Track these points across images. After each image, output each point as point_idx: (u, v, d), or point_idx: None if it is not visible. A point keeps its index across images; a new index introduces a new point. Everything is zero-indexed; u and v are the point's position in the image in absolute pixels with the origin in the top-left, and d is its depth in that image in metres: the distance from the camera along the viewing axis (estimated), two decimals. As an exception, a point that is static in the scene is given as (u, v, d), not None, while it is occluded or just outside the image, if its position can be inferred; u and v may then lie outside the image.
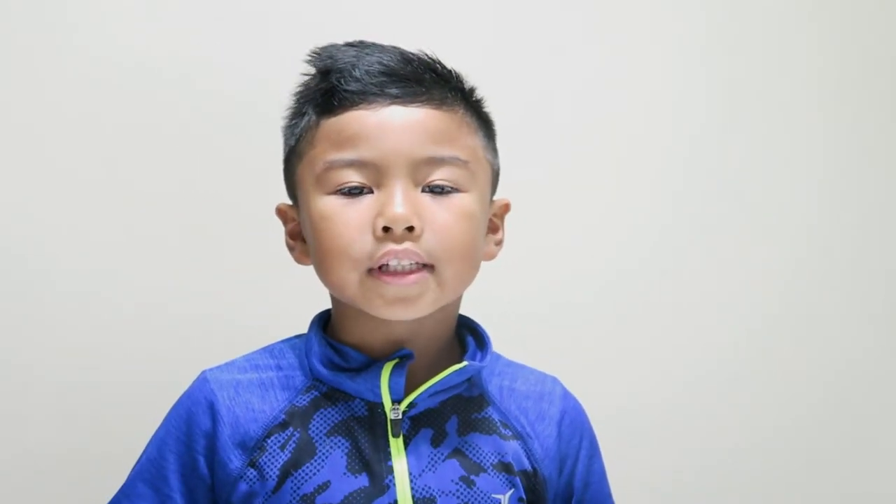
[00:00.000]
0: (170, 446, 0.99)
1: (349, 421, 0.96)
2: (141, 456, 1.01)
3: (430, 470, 0.95)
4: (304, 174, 0.97)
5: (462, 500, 0.95)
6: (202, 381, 1.00)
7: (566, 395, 1.06)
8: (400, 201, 0.92)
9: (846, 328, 1.59)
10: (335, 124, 0.95)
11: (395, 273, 0.92)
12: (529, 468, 1.00)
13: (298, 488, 0.94)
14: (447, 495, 0.95)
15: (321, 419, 0.97)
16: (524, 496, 0.98)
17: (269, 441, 0.96)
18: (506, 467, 0.98)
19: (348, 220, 0.93)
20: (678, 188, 1.53)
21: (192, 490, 0.98)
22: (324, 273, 0.96)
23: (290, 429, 0.96)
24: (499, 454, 0.98)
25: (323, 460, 0.95)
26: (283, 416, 0.97)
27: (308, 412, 0.97)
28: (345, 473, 0.94)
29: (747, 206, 1.55)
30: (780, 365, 1.56)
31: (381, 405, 0.96)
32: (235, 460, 0.96)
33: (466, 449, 0.97)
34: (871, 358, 1.60)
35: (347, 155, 0.94)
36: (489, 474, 0.97)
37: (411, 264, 0.92)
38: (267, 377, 1.00)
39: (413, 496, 0.94)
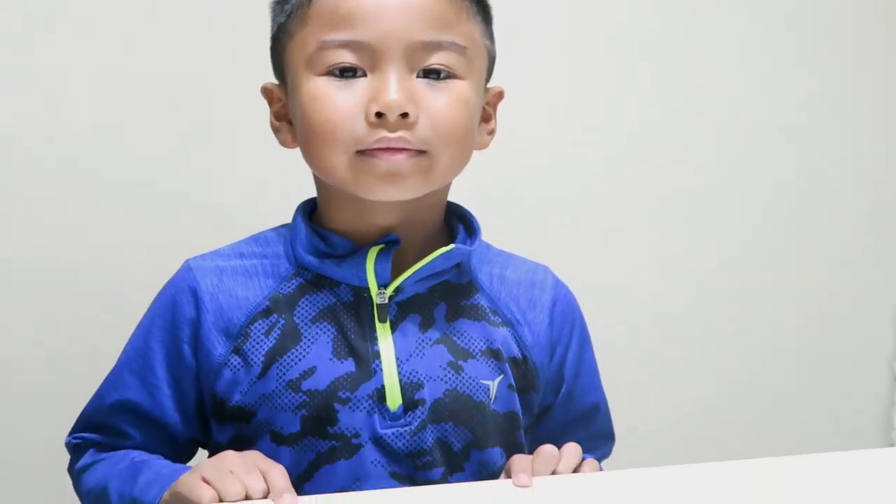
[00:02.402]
0: (155, 336, 0.98)
1: (335, 307, 0.95)
2: (126, 346, 1.00)
3: (417, 355, 0.94)
4: (294, 54, 0.94)
5: (450, 385, 0.94)
6: (186, 269, 0.98)
7: (558, 284, 1.05)
8: (395, 87, 0.89)
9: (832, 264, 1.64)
10: (330, 2, 0.92)
11: (387, 149, 0.90)
12: (519, 355, 0.99)
13: (284, 374, 0.93)
14: (435, 381, 0.94)
15: (306, 305, 0.95)
16: (514, 383, 0.98)
17: (252, 328, 0.94)
18: (494, 354, 0.97)
19: (340, 103, 0.90)
20: (679, 94, 1.51)
21: (179, 380, 0.97)
22: (312, 156, 0.94)
23: (275, 315, 0.95)
24: (487, 341, 0.97)
25: (308, 346, 0.94)
26: (268, 303, 0.95)
27: (293, 299, 0.96)
28: (331, 359, 0.93)
29: (745, 125, 1.56)
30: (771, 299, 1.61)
31: (367, 290, 0.95)
32: (219, 347, 0.95)
33: (454, 335, 0.96)
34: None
35: (342, 35, 0.90)
36: (477, 360, 0.96)
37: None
38: (251, 265, 0.98)
39: (400, 381, 0.93)
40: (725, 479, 0.88)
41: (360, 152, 0.90)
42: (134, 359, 0.98)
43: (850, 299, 1.70)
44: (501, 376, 0.97)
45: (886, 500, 0.84)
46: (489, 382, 0.96)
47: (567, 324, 1.04)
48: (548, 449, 0.91)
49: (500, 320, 0.99)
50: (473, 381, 0.95)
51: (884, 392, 1.73)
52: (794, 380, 1.69)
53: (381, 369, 0.93)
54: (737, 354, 1.65)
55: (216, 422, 0.96)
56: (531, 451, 0.92)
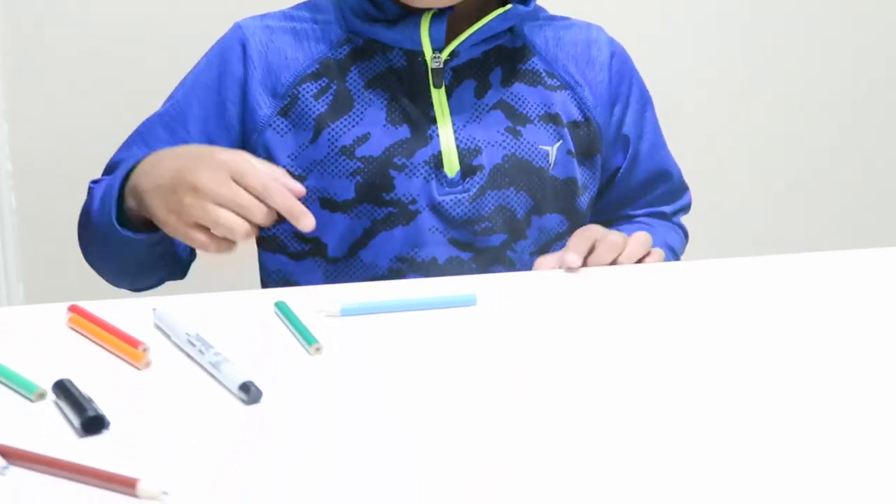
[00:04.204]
0: (197, 94, 0.94)
1: (387, 73, 0.92)
2: (165, 102, 0.96)
3: (474, 121, 0.92)
4: None
5: (508, 150, 0.93)
6: (235, 28, 0.95)
7: (612, 41, 1.02)
8: None
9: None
10: None
11: None
12: (580, 118, 0.97)
13: (336, 140, 0.91)
14: (493, 146, 0.92)
15: (358, 71, 0.92)
16: (573, 148, 0.96)
17: (301, 89, 0.92)
18: (553, 119, 0.95)
19: None
20: None
21: (212, 141, 0.93)
22: None
23: (325, 79, 0.92)
24: (545, 105, 0.95)
25: (361, 112, 0.91)
26: (317, 66, 0.93)
27: (344, 64, 0.93)
28: (385, 125, 0.91)
29: None
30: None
31: (421, 54, 0.92)
32: (265, 107, 0.92)
33: (511, 100, 0.94)
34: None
35: None
36: (535, 125, 0.94)
37: None
38: (301, 27, 0.95)
39: (458, 146, 0.91)
40: (785, 270, 0.85)
41: None
42: (170, 113, 0.95)
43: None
44: (560, 142, 0.95)
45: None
46: (548, 148, 0.94)
47: (625, 81, 1.01)
48: (613, 237, 0.87)
49: (557, 83, 0.97)
50: (532, 146, 0.93)
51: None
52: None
53: (438, 135, 0.91)
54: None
55: None
56: (594, 221, 0.91)
